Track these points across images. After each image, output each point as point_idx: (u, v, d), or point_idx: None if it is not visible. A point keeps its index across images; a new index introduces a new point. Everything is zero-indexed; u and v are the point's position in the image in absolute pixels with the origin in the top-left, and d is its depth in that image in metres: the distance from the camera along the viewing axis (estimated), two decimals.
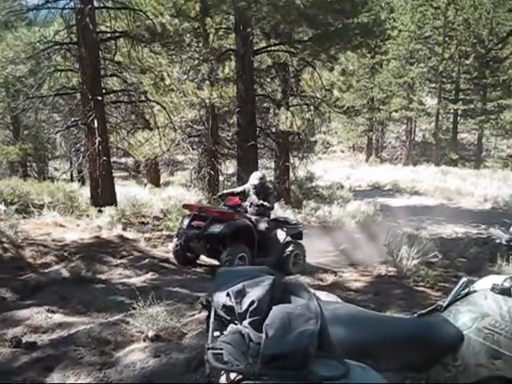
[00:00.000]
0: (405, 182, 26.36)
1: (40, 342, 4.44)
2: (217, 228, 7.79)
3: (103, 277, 7.23)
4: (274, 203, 9.14)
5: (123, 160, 32.53)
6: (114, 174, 23.83)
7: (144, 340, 4.34)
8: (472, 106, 42.47)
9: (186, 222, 8.30)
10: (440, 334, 2.14)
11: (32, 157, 27.06)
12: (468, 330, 2.12)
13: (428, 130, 46.03)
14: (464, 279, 2.35)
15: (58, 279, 6.76)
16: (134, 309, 4.66)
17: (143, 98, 14.64)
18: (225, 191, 9.26)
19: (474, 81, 42.19)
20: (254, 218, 8.47)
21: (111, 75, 14.55)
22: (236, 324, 2.02)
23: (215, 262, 8.17)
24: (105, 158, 12.49)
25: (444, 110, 43.48)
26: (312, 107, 18.07)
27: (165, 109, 14.34)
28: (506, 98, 39.82)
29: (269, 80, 18.27)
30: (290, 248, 8.59)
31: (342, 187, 23.85)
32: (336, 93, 18.68)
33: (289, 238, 8.72)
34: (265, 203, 8.57)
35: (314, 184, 24.10)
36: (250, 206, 8.67)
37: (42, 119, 24.09)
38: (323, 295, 2.45)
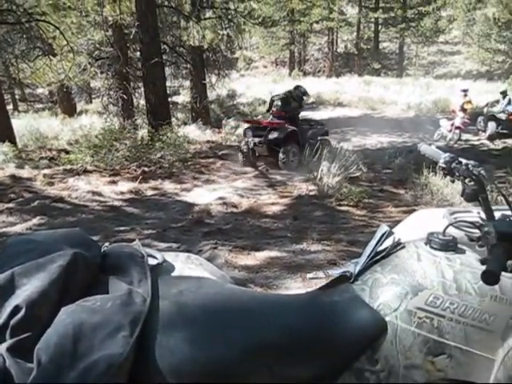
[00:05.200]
0: (328, 94, 25.71)
1: None
2: (275, 135, 10.09)
3: None
4: (301, 102, 11.26)
5: (39, 91, 30.49)
6: (27, 107, 22.02)
7: None
8: (392, 14, 42.03)
9: (250, 133, 10.51)
10: (346, 324, 1.30)
11: None
12: (393, 313, 1.30)
13: (350, 40, 45.51)
14: (385, 228, 1.48)
15: None
16: None
17: (35, 18, 13.04)
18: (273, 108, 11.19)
19: None
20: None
21: None
22: None
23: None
24: None
25: (365, 19, 42.85)
26: (225, 20, 16.80)
27: (58, 29, 12.79)
28: (426, 5, 39.89)
29: None
30: (322, 144, 10.03)
31: (265, 103, 22.92)
32: (252, 4, 17.54)
33: (320, 137, 10.89)
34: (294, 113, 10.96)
35: (235, 102, 23.09)
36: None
37: None
38: (179, 260, 1.55)
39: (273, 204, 7.34)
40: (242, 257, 4.93)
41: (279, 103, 10.98)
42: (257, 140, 10.21)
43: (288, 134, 10.21)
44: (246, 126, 11.12)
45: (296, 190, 8.11)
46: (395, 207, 7.08)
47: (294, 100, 10.95)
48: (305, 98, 11.49)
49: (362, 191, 7.50)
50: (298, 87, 11.33)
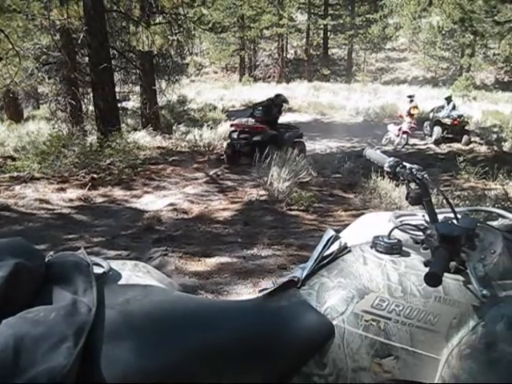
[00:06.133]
0: None
1: None
2: (258, 137, 11.22)
3: None
4: (278, 112, 12.36)
5: None
6: None
7: None
8: (341, 21, 42.93)
9: (236, 135, 11.58)
10: (294, 328, 1.30)
11: None
12: (340, 317, 1.31)
13: (299, 46, 46.12)
14: (331, 232, 1.49)
15: None
16: None
17: None
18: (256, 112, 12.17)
19: None
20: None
21: None
22: None
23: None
24: None
25: (314, 25, 43.53)
26: (175, 25, 16.69)
27: (3, 32, 12.47)
28: (373, 13, 41.06)
29: None
30: (297, 145, 11.01)
31: (215, 108, 22.93)
32: (202, 9, 17.47)
33: (295, 139, 12.02)
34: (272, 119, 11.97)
35: (185, 107, 22.97)
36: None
37: None
38: (126, 268, 1.51)
39: (223, 210, 7.31)
40: (192, 263, 4.90)
41: (261, 109, 12.06)
42: (243, 142, 11.40)
43: (270, 136, 11.41)
44: (232, 129, 12.07)
45: (247, 196, 8.12)
46: (345, 211, 7.17)
47: (275, 107, 12.11)
48: (284, 105, 12.85)
49: (311, 196, 7.56)
50: (278, 96, 12.43)
